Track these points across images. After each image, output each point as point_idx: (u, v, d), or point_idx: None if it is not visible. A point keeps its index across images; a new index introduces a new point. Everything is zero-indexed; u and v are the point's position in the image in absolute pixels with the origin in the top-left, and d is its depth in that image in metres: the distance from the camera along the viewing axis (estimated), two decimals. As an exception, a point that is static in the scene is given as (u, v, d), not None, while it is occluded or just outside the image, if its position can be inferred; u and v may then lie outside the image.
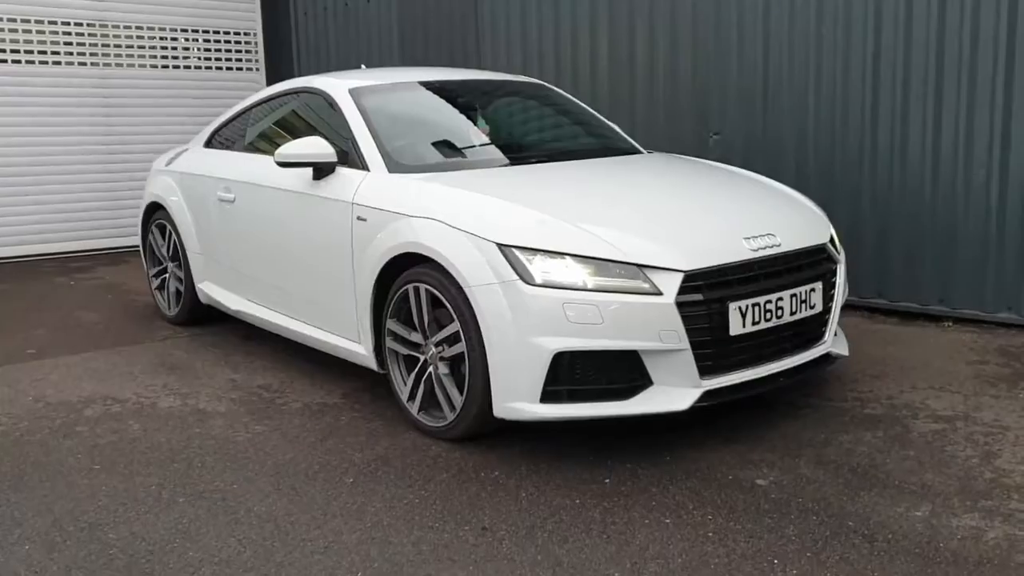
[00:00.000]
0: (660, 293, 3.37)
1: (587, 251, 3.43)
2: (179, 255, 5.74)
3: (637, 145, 5.07)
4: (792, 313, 3.68)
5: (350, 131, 4.40)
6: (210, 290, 5.45)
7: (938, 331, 5.21)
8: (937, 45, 5.21)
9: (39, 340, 5.65)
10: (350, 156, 4.33)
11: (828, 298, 3.89)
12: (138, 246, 6.37)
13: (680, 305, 3.36)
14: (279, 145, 4.98)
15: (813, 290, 3.78)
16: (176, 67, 9.67)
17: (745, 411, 3.94)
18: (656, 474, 3.40)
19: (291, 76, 10.22)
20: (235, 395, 4.52)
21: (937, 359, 4.67)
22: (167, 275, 5.94)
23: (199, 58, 9.77)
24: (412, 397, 3.92)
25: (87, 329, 5.92)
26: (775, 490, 3.22)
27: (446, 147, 4.52)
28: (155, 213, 5.96)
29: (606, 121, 5.31)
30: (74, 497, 3.38)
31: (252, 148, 5.20)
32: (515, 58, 7.53)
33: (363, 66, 5.80)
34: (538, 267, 3.41)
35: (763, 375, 3.62)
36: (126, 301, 6.75)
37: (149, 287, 6.21)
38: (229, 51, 10.03)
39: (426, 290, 3.74)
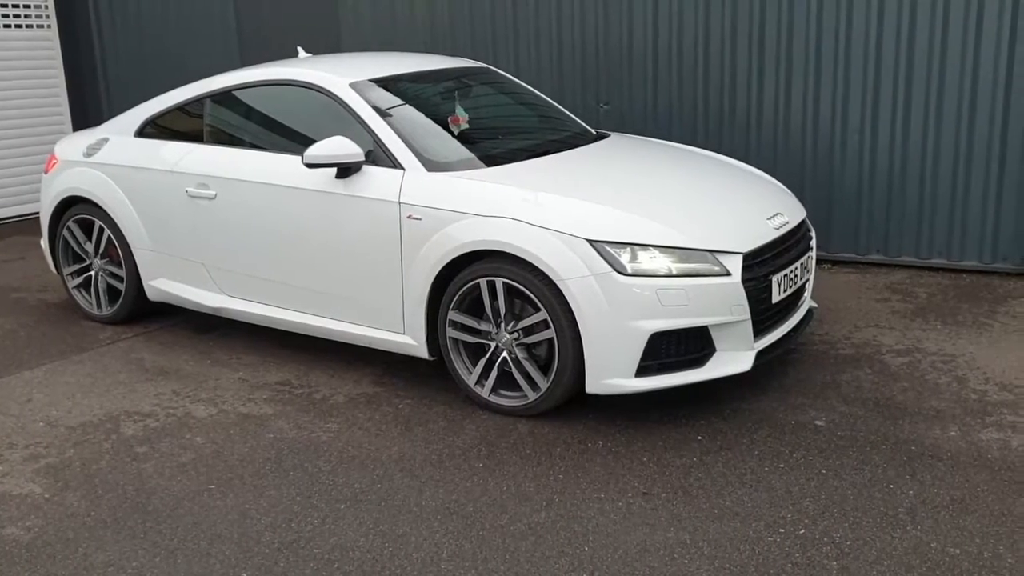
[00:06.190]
0: (729, 274, 3.95)
1: (668, 241, 3.93)
2: (113, 252, 5.49)
3: (585, 124, 5.55)
4: (801, 279, 4.42)
5: (370, 129, 4.51)
6: (169, 287, 5.29)
7: (825, 274, 6.22)
8: (816, 22, 6.10)
9: (-30, 356, 5.21)
10: (375, 154, 4.47)
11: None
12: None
13: (744, 282, 3.97)
14: (272, 141, 4.99)
15: (809, 257, 4.54)
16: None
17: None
18: (732, 428, 4.01)
19: (89, 33, 9.50)
20: (264, 395, 4.56)
21: (849, 300, 5.65)
22: (92, 273, 5.65)
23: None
24: (480, 381, 4.24)
25: (10, 339, 5.50)
26: (836, 428, 3.96)
27: (462, 141, 4.75)
28: (72, 208, 5.61)
29: (548, 99, 5.73)
30: (227, 519, 3.43)
31: (230, 142, 5.05)
32: (383, 28, 7.62)
33: (300, 50, 5.73)
34: (628, 258, 3.87)
35: (784, 332, 4.34)
36: (11, 301, 6.26)
37: (64, 286, 5.83)
38: (17, 5, 9.14)
39: (503, 283, 4.06)
